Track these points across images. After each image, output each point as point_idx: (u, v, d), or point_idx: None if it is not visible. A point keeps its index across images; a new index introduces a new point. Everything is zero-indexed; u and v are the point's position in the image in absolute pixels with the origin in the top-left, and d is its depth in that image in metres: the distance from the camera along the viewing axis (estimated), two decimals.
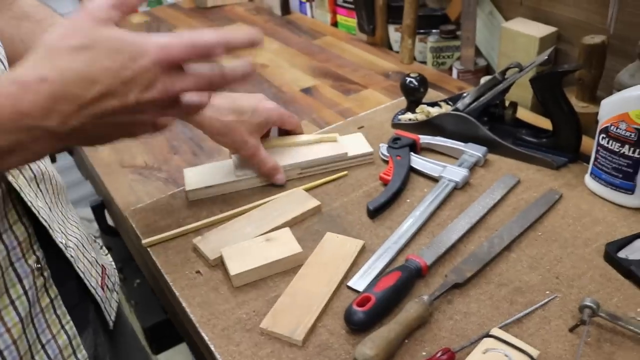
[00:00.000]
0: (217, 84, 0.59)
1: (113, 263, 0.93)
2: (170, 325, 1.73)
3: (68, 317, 0.67)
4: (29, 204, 0.64)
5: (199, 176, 1.01)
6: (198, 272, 0.85)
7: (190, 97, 0.58)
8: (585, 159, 0.98)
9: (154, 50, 0.53)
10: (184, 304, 0.80)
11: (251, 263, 0.81)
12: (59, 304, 0.66)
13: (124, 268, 1.67)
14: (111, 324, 0.82)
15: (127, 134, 0.59)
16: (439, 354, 0.68)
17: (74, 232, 0.77)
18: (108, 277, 0.83)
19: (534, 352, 0.66)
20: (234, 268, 0.81)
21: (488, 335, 0.69)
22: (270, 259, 0.81)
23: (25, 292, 0.61)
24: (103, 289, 0.80)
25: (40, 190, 0.69)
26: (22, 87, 0.50)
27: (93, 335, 0.75)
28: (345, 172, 1.01)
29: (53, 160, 1.54)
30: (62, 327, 0.67)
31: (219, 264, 0.85)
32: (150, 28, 1.77)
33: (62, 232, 0.72)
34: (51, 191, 0.73)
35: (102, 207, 1.31)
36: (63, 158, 1.69)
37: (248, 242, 0.85)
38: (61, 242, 0.70)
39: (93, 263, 0.79)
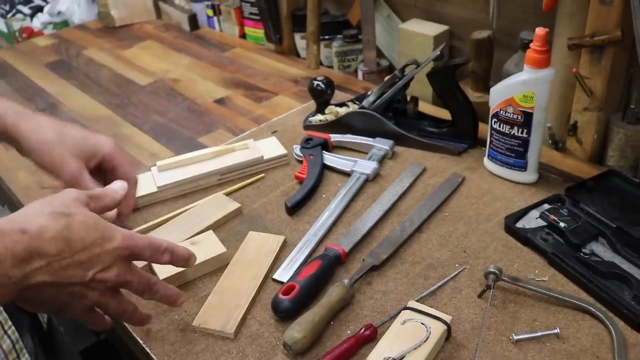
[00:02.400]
0: (151, 290, 0.68)
1: None
2: (105, 347, 1.71)
3: (10, 322, 0.69)
4: None
5: None
6: None
7: (129, 301, 0.68)
8: (483, 144, 1.06)
9: (121, 237, 0.63)
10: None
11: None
12: (0, 309, 0.68)
13: None
14: (45, 325, 0.84)
15: (69, 307, 0.63)
16: (362, 330, 0.73)
17: None
18: None
19: (447, 318, 0.73)
20: (162, 273, 0.83)
21: (405, 308, 0.75)
22: (197, 261, 0.85)
23: None
24: None
25: None
26: (2, 234, 0.56)
27: (31, 339, 0.76)
28: (262, 175, 1.06)
29: None
30: (5, 332, 0.68)
31: (148, 271, 0.88)
32: (59, 50, 1.76)
33: None
34: None
35: None
36: None
37: None
38: None
39: None
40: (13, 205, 1.22)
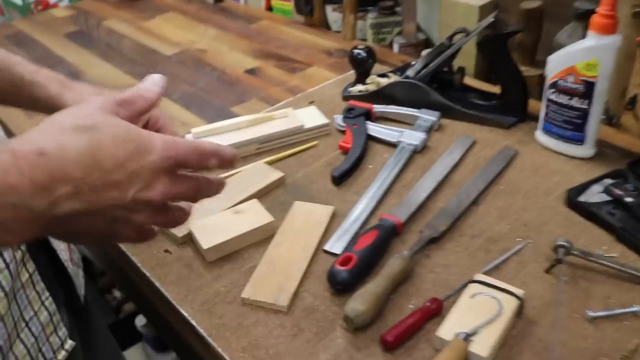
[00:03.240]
0: (204, 193, 0.57)
1: None
2: (122, 326, 1.68)
3: (47, 294, 0.63)
4: None
5: None
6: (167, 251, 0.82)
7: (180, 207, 0.56)
8: (532, 118, 1.01)
9: (161, 146, 0.50)
10: (156, 284, 0.77)
11: (223, 236, 0.79)
12: (37, 279, 0.62)
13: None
14: (82, 299, 0.79)
15: (109, 235, 0.53)
16: (427, 304, 0.68)
17: None
18: (73, 251, 0.79)
19: (519, 292, 0.68)
20: (206, 242, 0.78)
21: (472, 281, 0.70)
22: (242, 230, 0.80)
23: (7, 266, 0.57)
24: (72, 263, 0.76)
25: None
26: (16, 157, 0.44)
27: (66, 313, 0.71)
28: (315, 142, 1.01)
29: None
30: (42, 303, 0.63)
31: (188, 241, 0.83)
32: (78, 21, 1.71)
33: None
34: None
35: None
36: None
37: (217, 216, 0.83)
38: None
39: None
40: None
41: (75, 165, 0.46)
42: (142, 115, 0.58)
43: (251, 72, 1.31)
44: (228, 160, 0.57)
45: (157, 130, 0.78)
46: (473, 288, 0.69)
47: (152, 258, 0.81)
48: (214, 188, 0.58)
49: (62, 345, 0.67)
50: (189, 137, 1.00)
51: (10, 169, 0.44)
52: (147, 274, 0.79)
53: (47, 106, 0.75)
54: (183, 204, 0.57)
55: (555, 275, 0.73)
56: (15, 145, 0.46)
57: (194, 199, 0.57)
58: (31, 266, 0.62)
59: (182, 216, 0.57)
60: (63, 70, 1.39)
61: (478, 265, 0.75)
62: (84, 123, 0.48)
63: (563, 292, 0.71)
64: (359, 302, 0.66)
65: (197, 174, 0.56)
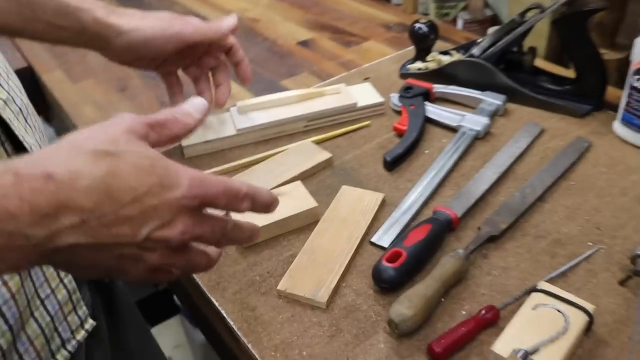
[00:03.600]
0: (231, 238, 0.51)
1: None
2: (160, 299, 1.65)
3: None
4: (21, 138, 0.55)
5: (196, 131, 0.92)
6: None
7: (202, 251, 0.51)
8: (610, 107, 0.91)
9: (187, 183, 0.45)
10: None
11: (262, 220, 0.73)
12: None
13: None
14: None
15: (118, 271, 0.48)
16: (482, 312, 0.61)
17: None
18: None
19: (590, 307, 0.59)
20: None
21: (535, 290, 0.62)
22: (283, 215, 0.73)
23: None
24: None
25: (30, 126, 0.60)
26: (19, 179, 0.39)
27: (89, 292, 0.66)
28: (368, 122, 0.93)
29: None
30: (61, 280, 0.59)
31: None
32: None
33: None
34: (38, 128, 0.64)
35: None
36: None
37: None
38: None
39: None
40: None
41: (85, 195, 0.41)
42: (175, 142, 0.52)
43: (304, 44, 1.23)
44: (264, 205, 0.52)
45: (237, 64, 0.87)
46: (536, 298, 0.61)
47: None
48: (244, 235, 0.53)
49: (81, 325, 0.63)
50: (233, 110, 0.94)
51: (9, 192, 0.39)
52: None
53: (94, 34, 0.73)
54: (210, 248, 0.52)
55: (630, 289, 0.64)
56: (21, 165, 0.41)
57: (219, 243, 0.51)
58: None
59: (205, 261, 0.52)
60: None
61: (541, 270, 0.67)
62: (104, 148, 0.43)
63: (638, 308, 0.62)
64: (406, 305, 0.59)
65: (226, 217, 0.51)
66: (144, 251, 0.45)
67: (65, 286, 0.60)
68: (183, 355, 1.69)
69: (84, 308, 0.63)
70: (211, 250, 0.52)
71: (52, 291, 0.58)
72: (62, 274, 0.60)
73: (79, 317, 0.62)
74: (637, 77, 0.83)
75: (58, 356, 0.59)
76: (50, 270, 0.58)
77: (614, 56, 1.03)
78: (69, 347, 0.61)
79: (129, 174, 0.43)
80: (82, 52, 1.27)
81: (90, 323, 0.64)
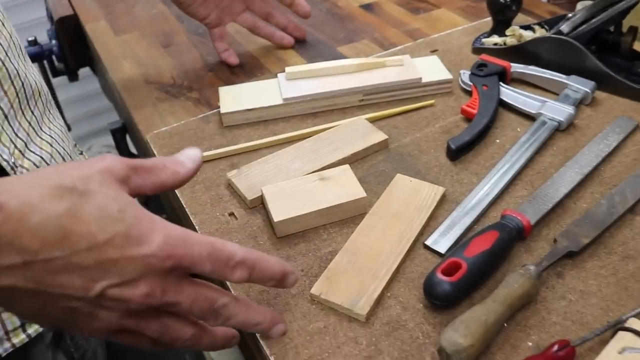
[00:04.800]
0: (221, 318, 0.44)
1: None
2: None
3: None
4: None
5: (237, 97, 0.83)
6: (232, 214, 0.68)
7: (183, 321, 0.43)
8: None
9: (161, 240, 0.38)
10: None
11: (300, 208, 0.63)
12: None
13: (149, 202, 1.51)
14: None
15: (71, 326, 0.41)
16: (555, 348, 0.50)
17: (41, 150, 0.62)
18: None
19: None
20: (278, 213, 0.63)
21: (622, 328, 0.50)
22: (325, 204, 0.63)
23: None
24: None
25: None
26: None
27: None
28: (432, 101, 0.82)
29: (74, 79, 1.37)
30: None
31: (259, 205, 0.68)
32: None
33: (17, 147, 0.58)
34: (14, 94, 0.57)
35: (123, 130, 1.14)
36: (88, 81, 1.51)
37: (297, 180, 0.67)
38: (5, 160, 0.55)
39: None
40: (115, 100, 1.06)
41: (34, 234, 0.35)
42: (162, 191, 0.45)
43: (367, 7, 1.11)
44: (269, 277, 0.45)
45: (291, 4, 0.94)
46: (623, 339, 0.49)
47: (214, 221, 0.67)
48: (232, 314, 0.44)
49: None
50: (280, 76, 0.84)
51: None
52: None
53: None
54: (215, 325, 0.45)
55: None
56: None
57: (206, 319, 0.44)
58: None
59: (197, 336, 0.44)
60: None
61: (630, 300, 0.55)
62: (71, 185, 0.37)
63: None
64: (462, 333, 0.49)
65: (217, 289, 0.43)
66: (98, 309, 0.39)
67: None
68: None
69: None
70: (217, 327, 0.45)
71: None
72: None
73: None
74: None
75: None
76: None
77: None
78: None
79: (92, 218, 0.37)
80: (131, 2, 1.20)
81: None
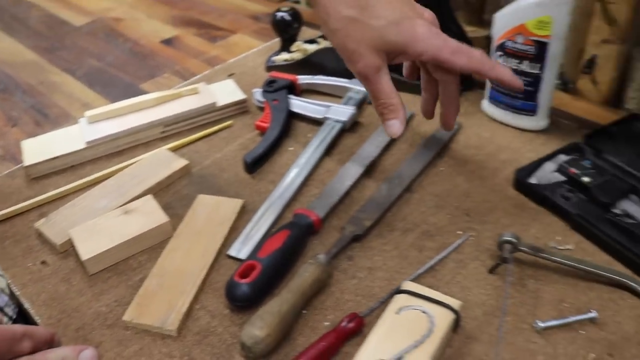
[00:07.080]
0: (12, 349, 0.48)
1: None
2: None
3: None
4: None
5: (41, 147, 0.83)
6: (44, 262, 0.69)
7: None
8: (480, 86, 0.89)
9: None
10: (26, 305, 0.64)
11: (107, 243, 0.66)
12: None
13: None
14: None
15: None
16: (344, 322, 0.56)
17: None
18: None
19: (455, 303, 0.56)
20: (85, 251, 0.65)
21: (398, 292, 0.58)
22: (130, 235, 0.66)
23: None
24: None
25: None
26: None
27: None
28: (229, 122, 0.87)
29: None
30: None
31: (70, 249, 0.69)
32: None
33: None
34: None
35: None
36: None
37: (102, 217, 0.69)
38: None
39: None
40: None
41: None
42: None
43: (168, 42, 1.16)
44: (43, 341, 0.51)
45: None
46: (399, 300, 0.56)
47: (26, 272, 0.68)
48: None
49: None
50: (82, 121, 0.86)
51: None
52: (18, 292, 0.65)
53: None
54: None
55: (500, 276, 0.61)
56: None
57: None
58: None
59: None
60: None
61: (409, 267, 0.63)
62: None
63: (509, 297, 0.59)
64: (258, 325, 0.54)
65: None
66: None
67: None
68: None
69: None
70: None
71: None
72: None
73: None
74: (499, 53, 0.80)
75: None
76: None
77: (482, 33, 1.01)
78: None
79: None
80: None
81: None
